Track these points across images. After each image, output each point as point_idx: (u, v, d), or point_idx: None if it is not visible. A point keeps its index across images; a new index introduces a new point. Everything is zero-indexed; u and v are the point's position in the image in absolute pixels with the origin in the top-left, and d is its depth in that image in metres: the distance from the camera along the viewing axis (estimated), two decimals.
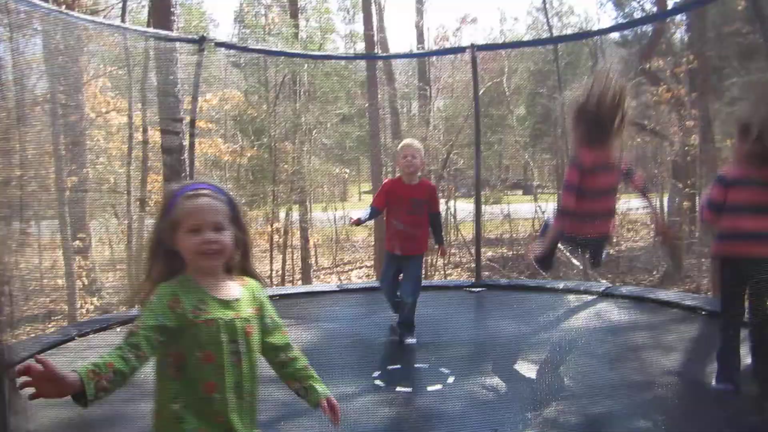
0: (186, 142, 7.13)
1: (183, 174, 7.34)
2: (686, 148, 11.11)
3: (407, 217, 4.61)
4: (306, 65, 11.17)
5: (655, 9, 14.48)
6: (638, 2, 17.03)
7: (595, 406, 3.49)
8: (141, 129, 9.31)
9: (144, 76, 8.47)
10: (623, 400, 3.54)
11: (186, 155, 7.19)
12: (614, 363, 4.14)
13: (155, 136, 8.76)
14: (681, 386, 3.75)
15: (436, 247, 4.99)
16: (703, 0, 8.39)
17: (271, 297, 6.05)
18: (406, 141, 4.92)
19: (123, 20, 10.55)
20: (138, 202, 9.69)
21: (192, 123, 6.59)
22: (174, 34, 7.50)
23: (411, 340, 4.60)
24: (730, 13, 11.74)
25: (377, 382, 3.90)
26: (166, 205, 1.92)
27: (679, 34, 14.64)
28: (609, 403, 3.51)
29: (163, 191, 1.95)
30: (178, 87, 7.14)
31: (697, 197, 10.76)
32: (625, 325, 5.02)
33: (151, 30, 7.28)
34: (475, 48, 7.13)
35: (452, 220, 13.69)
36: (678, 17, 13.18)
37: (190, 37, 6.86)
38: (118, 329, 5.23)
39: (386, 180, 5.09)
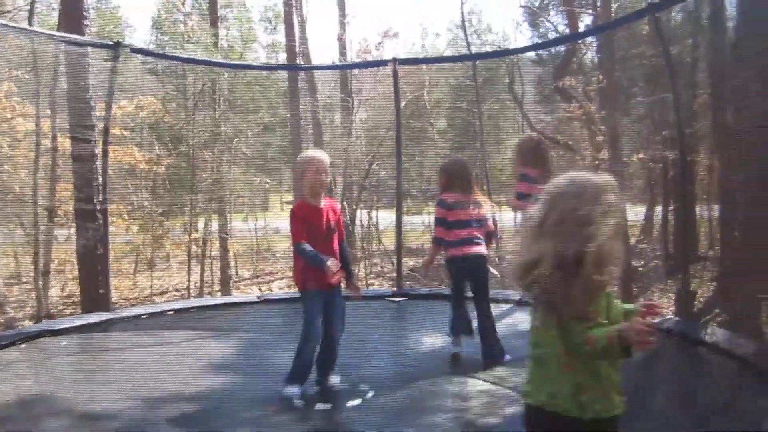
0: (98, 150, 6.89)
1: (95, 183, 7.07)
2: (596, 162, 11.63)
3: (324, 244, 3.91)
4: (226, 74, 10.99)
5: (568, 30, 15.18)
6: (552, 24, 17.81)
7: (515, 409, 3.59)
8: (50, 136, 8.90)
9: (54, 82, 8.11)
10: None
11: (98, 163, 6.93)
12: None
13: (65, 143, 8.39)
14: None
15: (345, 284, 4.17)
16: (612, 24, 8.88)
17: (188, 309, 5.89)
18: (316, 154, 4.16)
19: (30, 23, 10.08)
20: (46, 212, 9.25)
21: (105, 130, 6.38)
22: (87, 38, 7.24)
23: (337, 380, 4.09)
24: (636, 37, 12.45)
25: (296, 401, 3.81)
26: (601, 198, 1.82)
27: (590, 54, 15.40)
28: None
29: (590, 179, 1.85)
30: (90, 93, 6.89)
31: None
32: None
33: (62, 34, 7.00)
34: (397, 61, 7.27)
35: (374, 230, 13.78)
36: (589, 39, 13.86)
37: (104, 42, 6.65)
38: (23, 345, 4.98)
39: (294, 207, 4.09)
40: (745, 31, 5.31)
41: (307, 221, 3.92)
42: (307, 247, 3.82)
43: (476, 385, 4.01)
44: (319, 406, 3.73)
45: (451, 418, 3.51)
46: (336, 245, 4.03)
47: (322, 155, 4.10)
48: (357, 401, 3.76)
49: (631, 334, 1.73)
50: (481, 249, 4.63)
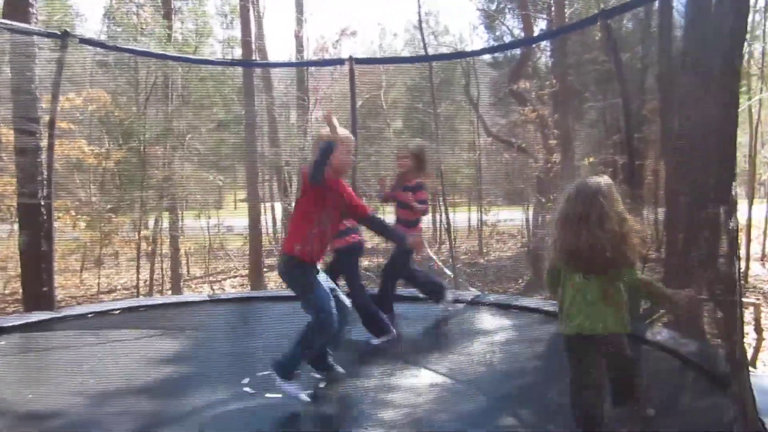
0: (44, 143, 6.66)
1: (39, 177, 6.84)
2: (549, 165, 11.85)
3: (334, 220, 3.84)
4: (180, 68, 10.78)
5: (523, 34, 15.41)
6: (508, 27, 18.05)
7: (464, 404, 3.62)
8: None
9: None
10: (491, 396, 3.70)
11: (44, 157, 6.71)
12: (481, 364, 4.33)
13: (8, 135, 8.10)
14: (541, 379, 4.02)
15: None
16: (565, 29, 9.05)
17: (137, 308, 5.76)
18: (347, 133, 3.89)
19: None
20: None
21: (51, 123, 6.16)
22: (33, 27, 7.01)
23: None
24: (588, 42, 12.72)
25: (246, 389, 3.84)
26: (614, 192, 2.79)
27: (544, 59, 15.66)
28: (479, 400, 3.66)
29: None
30: (36, 84, 6.66)
31: None
32: (492, 329, 5.29)
33: (6, 21, 6.74)
34: (354, 60, 7.24)
35: None
36: (543, 43, 14.10)
37: (51, 31, 6.43)
38: None
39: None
40: (691, 40, 5.47)
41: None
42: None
43: (431, 377, 4.03)
44: (269, 395, 3.71)
45: (404, 409, 3.52)
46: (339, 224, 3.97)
47: (351, 135, 3.91)
48: (308, 391, 3.71)
49: (682, 297, 2.90)
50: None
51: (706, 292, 3.33)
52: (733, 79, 3.35)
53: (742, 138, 14.08)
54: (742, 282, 10.63)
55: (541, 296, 9.03)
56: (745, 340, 4.86)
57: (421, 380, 3.99)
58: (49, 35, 6.34)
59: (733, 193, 2.92)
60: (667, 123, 7.68)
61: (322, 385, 3.87)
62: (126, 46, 10.20)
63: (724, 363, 3.24)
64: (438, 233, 16.63)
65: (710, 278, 3.26)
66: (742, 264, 11.23)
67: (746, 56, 11.69)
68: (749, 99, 13.55)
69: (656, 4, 8.15)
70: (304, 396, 3.60)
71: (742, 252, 11.29)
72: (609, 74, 11.28)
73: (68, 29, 6.30)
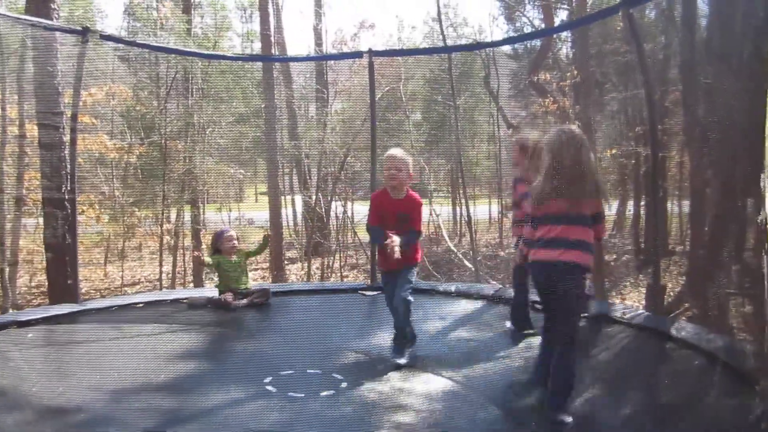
0: (67, 138, 6.74)
1: (63, 171, 6.93)
2: None
3: (392, 232, 4.35)
4: (200, 62, 10.83)
5: (543, 25, 15.23)
6: (528, 18, 17.85)
7: (489, 407, 3.58)
8: (17, 122, 8.71)
9: (21, 67, 7.92)
10: (515, 400, 3.66)
11: (67, 151, 6.79)
12: (503, 362, 4.29)
13: (33, 130, 8.21)
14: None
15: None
16: (586, 19, 8.91)
17: (158, 302, 5.75)
18: (390, 152, 4.62)
19: None
20: (14, 201, 9.06)
21: (74, 117, 6.22)
22: (55, 23, 7.07)
23: (401, 360, 4.29)
24: (609, 32, 12.54)
25: (269, 387, 3.82)
26: None
27: (564, 50, 15.47)
28: (501, 404, 3.63)
29: None
30: (58, 79, 6.73)
31: None
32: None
33: (29, 17, 6.81)
34: (372, 53, 7.20)
35: (349, 222, 13.74)
36: (564, 34, 13.93)
37: (72, 27, 6.49)
38: None
39: (374, 194, 4.81)
40: (716, 28, 5.37)
41: (379, 207, 4.55)
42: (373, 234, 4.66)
43: (443, 383, 3.96)
44: (291, 394, 3.70)
45: (419, 415, 3.48)
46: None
47: (396, 152, 4.60)
48: (331, 392, 3.72)
49: None
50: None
51: (733, 286, 3.26)
52: (761, 67, 3.28)
53: None
54: None
55: None
56: None
57: (437, 386, 3.93)
58: (70, 31, 6.39)
59: (762, 184, 2.85)
60: (691, 114, 7.56)
61: (344, 385, 3.84)
62: (146, 42, 10.26)
63: (752, 359, 3.17)
64: (458, 226, 16.57)
65: (737, 271, 3.19)
66: None
67: None
68: None
69: None
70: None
71: None
72: (631, 65, 11.13)
73: (89, 25, 6.34)
